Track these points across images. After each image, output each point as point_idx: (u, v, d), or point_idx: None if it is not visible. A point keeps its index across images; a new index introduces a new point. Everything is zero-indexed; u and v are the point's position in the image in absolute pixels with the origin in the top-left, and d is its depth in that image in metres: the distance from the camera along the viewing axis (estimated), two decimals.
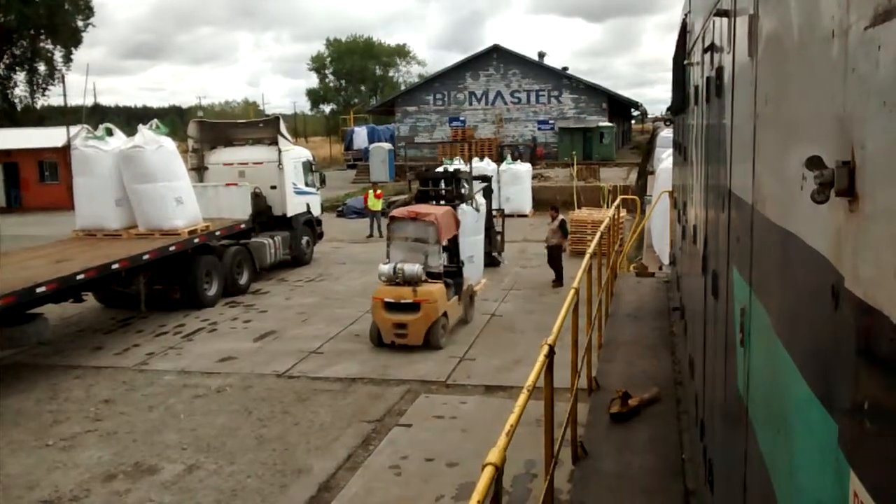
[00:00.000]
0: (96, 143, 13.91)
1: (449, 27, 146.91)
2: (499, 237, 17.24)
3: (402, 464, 7.44)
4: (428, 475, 7.20)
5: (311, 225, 18.65)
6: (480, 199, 14.80)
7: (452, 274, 11.96)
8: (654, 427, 6.20)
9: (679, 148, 9.16)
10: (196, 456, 7.78)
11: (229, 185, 16.58)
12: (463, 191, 12.74)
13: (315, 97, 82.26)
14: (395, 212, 11.84)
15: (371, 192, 23.37)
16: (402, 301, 10.75)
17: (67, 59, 51.34)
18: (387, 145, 40.68)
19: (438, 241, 11.12)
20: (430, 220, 11.07)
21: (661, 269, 14.41)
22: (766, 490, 2.02)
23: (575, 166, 29.58)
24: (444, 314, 11.08)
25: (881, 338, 1.11)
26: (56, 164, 32.14)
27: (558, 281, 14.92)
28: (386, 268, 11.00)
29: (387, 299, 10.87)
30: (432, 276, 11.09)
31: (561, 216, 15.68)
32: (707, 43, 4.20)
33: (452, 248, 12.22)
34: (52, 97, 55.25)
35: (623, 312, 10.02)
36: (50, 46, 50.93)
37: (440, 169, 20.25)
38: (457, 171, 12.97)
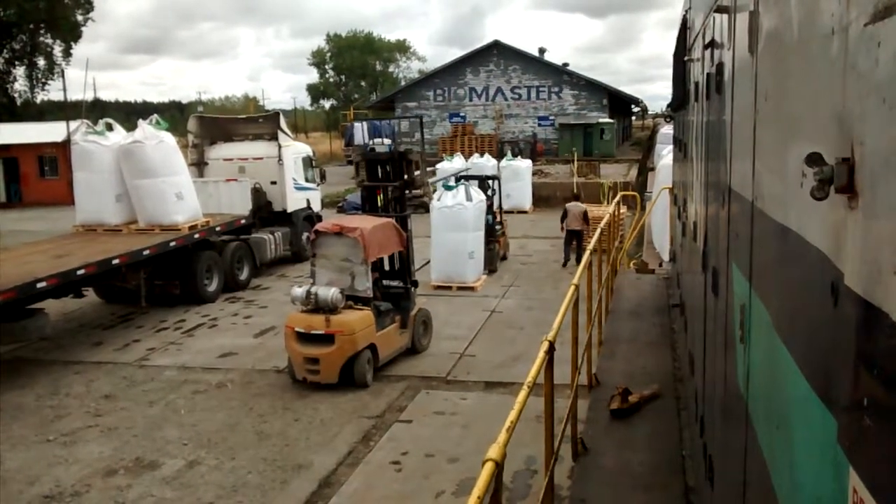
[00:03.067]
0: (96, 138, 13.89)
1: (449, 22, 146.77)
2: (495, 245, 16.16)
3: (402, 459, 7.46)
4: (428, 471, 7.22)
5: (311, 220, 18.59)
6: (479, 195, 14.77)
7: (398, 297, 10.44)
8: (654, 423, 6.21)
9: (679, 144, 9.16)
10: (197, 451, 7.80)
11: (229, 180, 16.56)
12: (416, 174, 10.70)
13: (315, 92, 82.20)
14: (319, 225, 10.18)
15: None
16: (313, 332, 9.25)
17: (67, 54, 51.36)
18: (387, 141, 40.63)
19: (365, 260, 9.52)
20: (355, 236, 9.43)
21: (661, 265, 14.42)
22: (766, 486, 2.02)
23: (575, 162, 29.57)
24: (371, 347, 9.53)
25: (880, 335, 1.11)
26: (56, 159, 32.09)
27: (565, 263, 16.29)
28: (299, 291, 9.53)
29: (297, 329, 9.37)
30: (361, 300, 9.66)
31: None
32: (707, 39, 4.20)
33: (403, 266, 10.71)
34: (52, 92, 55.42)
35: (623, 309, 10.04)
36: (50, 41, 50.93)
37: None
38: (407, 151, 10.98)
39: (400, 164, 10.63)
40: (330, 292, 9.32)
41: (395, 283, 10.68)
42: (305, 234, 18.24)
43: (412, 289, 10.62)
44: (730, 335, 2.95)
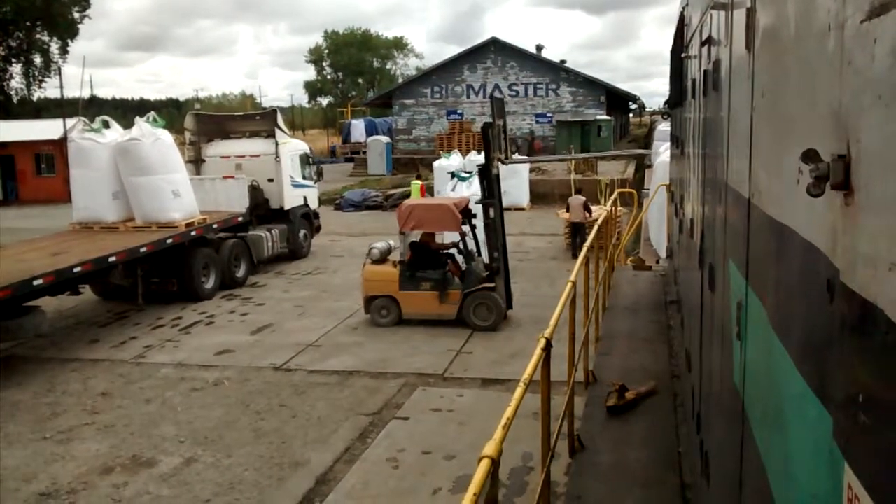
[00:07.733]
0: (93, 136, 13.87)
1: (447, 19, 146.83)
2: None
3: (399, 456, 7.46)
4: (425, 468, 7.22)
5: (308, 218, 18.63)
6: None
7: (464, 274, 11.88)
8: (650, 420, 6.22)
9: (676, 141, 9.16)
10: (193, 449, 7.79)
11: (226, 177, 16.55)
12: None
13: (312, 89, 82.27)
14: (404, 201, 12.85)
15: (419, 184, 21.86)
16: None
17: (64, 51, 51.20)
18: (384, 138, 40.60)
19: (399, 229, 11.85)
20: (397, 210, 12.10)
21: (658, 262, 14.43)
22: (762, 483, 2.02)
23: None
24: (389, 298, 11.78)
25: (876, 331, 1.11)
26: (53, 156, 32.03)
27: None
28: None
29: None
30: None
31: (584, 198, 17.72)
32: (704, 36, 4.19)
33: (462, 244, 11.93)
34: (49, 89, 55.28)
35: (620, 306, 10.04)
36: (46, 38, 50.74)
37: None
38: (488, 125, 11.41)
39: (486, 135, 11.50)
40: (376, 246, 12.07)
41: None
42: (303, 232, 18.27)
43: (466, 269, 11.89)
44: (726, 332, 2.96)
